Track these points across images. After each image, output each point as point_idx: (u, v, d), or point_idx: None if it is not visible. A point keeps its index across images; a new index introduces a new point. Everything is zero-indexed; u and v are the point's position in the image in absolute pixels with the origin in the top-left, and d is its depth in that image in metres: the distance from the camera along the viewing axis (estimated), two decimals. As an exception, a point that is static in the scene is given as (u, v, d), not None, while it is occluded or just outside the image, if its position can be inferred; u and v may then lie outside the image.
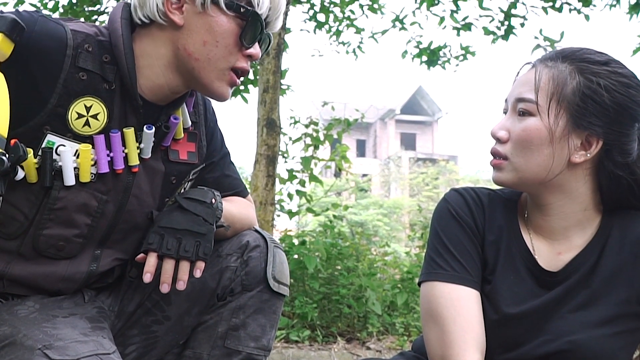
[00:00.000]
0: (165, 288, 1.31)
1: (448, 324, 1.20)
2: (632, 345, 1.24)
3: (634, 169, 1.21)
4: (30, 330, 1.22)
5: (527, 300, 1.24)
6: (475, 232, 1.30)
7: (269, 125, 4.86)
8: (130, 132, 1.32)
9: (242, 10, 1.30)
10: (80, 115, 1.26)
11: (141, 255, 1.34)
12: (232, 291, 1.50)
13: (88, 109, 1.27)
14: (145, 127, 1.34)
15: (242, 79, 1.40)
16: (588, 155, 1.19)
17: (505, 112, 1.28)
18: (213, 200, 1.40)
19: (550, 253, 1.26)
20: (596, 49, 1.24)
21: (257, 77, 5.39)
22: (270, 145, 4.84)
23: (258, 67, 5.24)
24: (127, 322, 1.49)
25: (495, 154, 1.25)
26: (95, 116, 1.28)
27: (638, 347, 1.28)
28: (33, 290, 1.36)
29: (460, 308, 1.21)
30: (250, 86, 6.58)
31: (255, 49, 1.36)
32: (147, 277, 1.30)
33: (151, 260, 1.32)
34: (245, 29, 1.31)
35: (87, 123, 1.27)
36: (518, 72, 1.30)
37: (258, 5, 1.32)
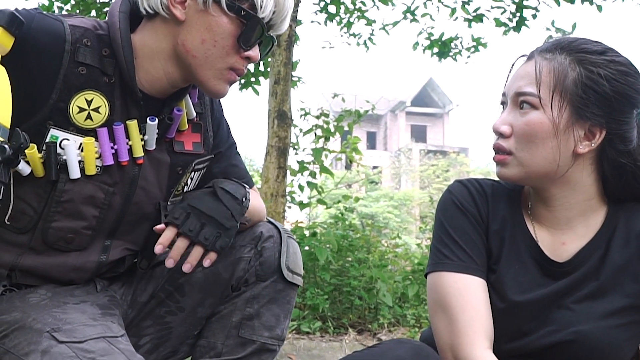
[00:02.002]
0: (170, 263, 1.33)
1: (456, 313, 1.20)
2: (638, 337, 1.24)
3: (636, 157, 1.21)
4: (40, 315, 1.24)
5: (532, 288, 1.24)
6: (479, 222, 1.30)
7: (280, 117, 4.87)
8: (133, 124, 1.33)
9: (242, 13, 1.30)
10: (81, 109, 1.27)
11: (161, 225, 1.35)
12: (247, 282, 1.51)
13: (89, 102, 1.28)
14: (148, 118, 1.35)
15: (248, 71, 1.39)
16: (592, 145, 1.19)
17: (503, 105, 1.27)
18: (244, 199, 1.42)
19: (554, 243, 1.26)
20: (592, 38, 1.23)
21: (268, 69, 5.39)
22: (281, 137, 4.85)
23: (269, 59, 5.24)
24: (140, 313, 1.50)
25: (498, 149, 1.24)
26: (96, 109, 1.29)
27: None
28: (45, 280, 1.37)
29: (468, 297, 1.21)
30: (261, 78, 6.58)
31: (254, 52, 1.35)
32: (159, 249, 1.31)
33: (168, 233, 1.33)
34: (244, 32, 1.31)
35: (89, 116, 1.28)
36: (513, 65, 1.29)
37: (261, 8, 1.31)
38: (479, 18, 6.96)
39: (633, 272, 1.21)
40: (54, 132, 1.26)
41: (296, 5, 5.07)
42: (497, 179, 1.37)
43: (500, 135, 1.23)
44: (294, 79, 6.01)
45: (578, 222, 1.25)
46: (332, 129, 5.70)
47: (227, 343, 1.50)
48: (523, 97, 1.20)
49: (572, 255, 1.24)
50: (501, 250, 1.28)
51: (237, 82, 7.33)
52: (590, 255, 1.23)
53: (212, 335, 1.52)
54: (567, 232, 1.26)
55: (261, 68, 6.53)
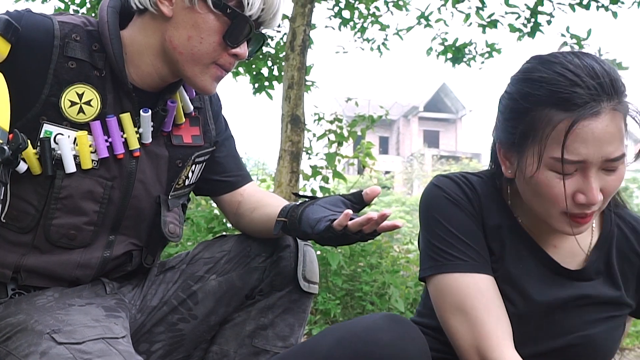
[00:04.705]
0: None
1: (481, 315, 1.16)
2: (622, 330, 1.28)
3: None
4: (42, 317, 1.25)
5: (541, 291, 1.23)
6: (477, 217, 1.25)
7: (294, 122, 4.88)
8: (126, 117, 1.34)
9: (228, 11, 1.29)
10: (73, 103, 1.29)
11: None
12: (261, 291, 1.51)
13: (80, 96, 1.29)
14: (141, 110, 1.36)
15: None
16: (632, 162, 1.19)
17: (566, 174, 1.11)
18: None
19: (559, 247, 1.27)
20: (600, 62, 1.13)
21: (282, 73, 5.40)
22: (294, 142, 4.86)
23: (283, 63, 5.25)
24: (150, 318, 1.50)
25: (590, 215, 1.14)
26: (88, 103, 1.30)
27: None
28: (51, 280, 1.38)
29: (490, 297, 1.19)
30: (274, 82, 6.60)
31: (242, 49, 1.34)
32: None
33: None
34: (230, 30, 1.31)
35: (81, 110, 1.30)
36: (570, 130, 1.08)
37: (248, 5, 1.30)
38: (493, 24, 6.93)
39: (630, 274, 1.25)
40: (47, 127, 1.27)
41: (310, 10, 5.08)
42: (477, 171, 1.33)
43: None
44: (307, 83, 6.02)
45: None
46: (346, 134, 5.70)
47: (240, 352, 1.51)
48: (616, 162, 1.11)
49: (579, 262, 1.25)
50: (503, 247, 1.25)
51: (251, 87, 7.32)
52: (595, 261, 1.25)
53: (225, 342, 1.52)
54: (570, 237, 1.24)
55: (275, 72, 6.55)
